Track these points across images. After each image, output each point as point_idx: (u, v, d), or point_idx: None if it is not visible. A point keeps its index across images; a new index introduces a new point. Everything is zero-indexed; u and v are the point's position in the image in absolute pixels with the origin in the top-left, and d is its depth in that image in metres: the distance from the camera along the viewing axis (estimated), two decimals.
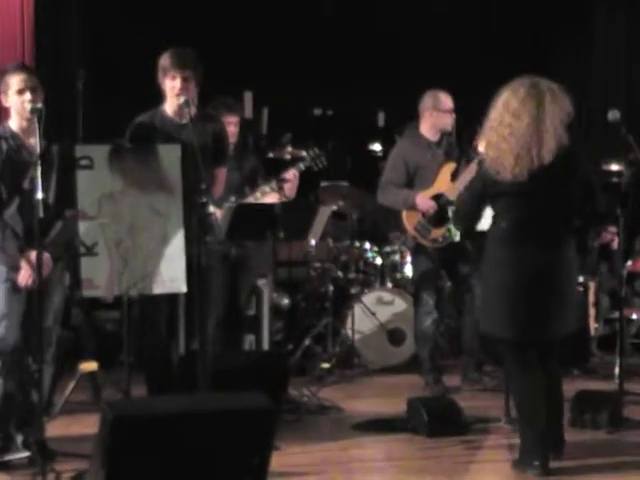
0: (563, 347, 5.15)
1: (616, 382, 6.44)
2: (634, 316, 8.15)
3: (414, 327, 7.42)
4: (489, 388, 7.09)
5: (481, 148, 5.11)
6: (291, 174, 6.73)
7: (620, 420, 5.99)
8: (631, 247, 8.28)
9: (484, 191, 4.99)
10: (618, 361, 6.45)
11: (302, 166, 6.89)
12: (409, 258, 8.12)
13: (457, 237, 6.35)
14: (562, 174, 4.85)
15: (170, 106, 5.93)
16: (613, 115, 6.01)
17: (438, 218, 7.02)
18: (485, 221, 5.77)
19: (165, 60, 5.88)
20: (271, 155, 7.84)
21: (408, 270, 8.31)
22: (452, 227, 6.45)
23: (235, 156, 7.01)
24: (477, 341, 7.18)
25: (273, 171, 7.08)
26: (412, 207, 7.11)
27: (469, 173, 7.05)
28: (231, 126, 6.98)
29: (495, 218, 5.03)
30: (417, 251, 7.26)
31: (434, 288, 7.24)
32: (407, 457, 5.56)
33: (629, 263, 8.15)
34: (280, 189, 6.63)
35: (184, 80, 5.82)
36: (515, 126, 4.78)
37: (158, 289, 5.42)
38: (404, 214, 7.18)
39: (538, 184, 4.83)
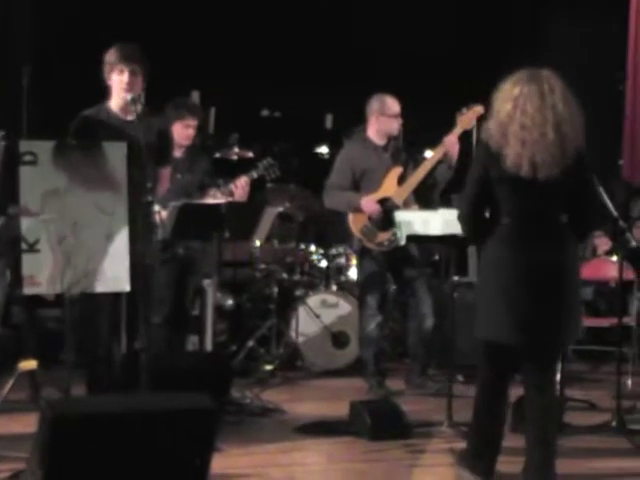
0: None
1: (557, 388, 6.47)
2: None
3: (358, 330, 7.43)
4: (432, 392, 7.10)
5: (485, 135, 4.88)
6: (242, 183, 6.72)
7: (560, 426, 6.02)
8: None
9: (485, 174, 4.70)
10: (559, 367, 6.48)
11: (254, 174, 6.88)
12: (354, 261, 8.13)
13: (403, 241, 6.35)
14: (565, 169, 4.61)
15: (116, 102, 5.87)
16: None
17: (384, 222, 7.03)
18: (435, 225, 5.78)
19: (112, 55, 5.82)
20: (218, 155, 7.80)
21: (353, 273, 8.31)
22: (398, 231, 6.45)
23: (187, 158, 6.97)
24: (422, 345, 7.22)
25: (220, 172, 7.05)
26: (358, 210, 7.12)
27: (416, 177, 7.10)
28: (190, 129, 6.96)
29: (494, 214, 4.78)
30: (363, 254, 7.27)
31: (379, 291, 7.25)
32: (349, 460, 5.54)
33: None
34: (230, 194, 6.62)
35: (132, 74, 5.77)
36: (519, 119, 4.56)
37: (101, 287, 5.36)
38: (350, 217, 7.18)
39: (540, 178, 4.59)
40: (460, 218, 4.89)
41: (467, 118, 6.91)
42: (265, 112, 10.16)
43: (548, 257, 4.68)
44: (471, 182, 4.78)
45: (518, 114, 4.59)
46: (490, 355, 4.89)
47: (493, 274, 4.76)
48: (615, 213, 6.10)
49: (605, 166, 6.36)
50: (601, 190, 5.80)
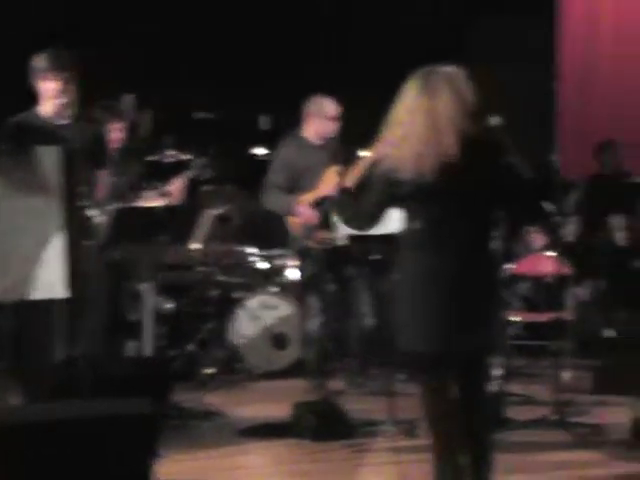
0: None
1: (497, 383, 6.49)
2: (514, 318, 8.22)
3: (300, 331, 7.39)
4: (374, 391, 7.08)
5: (381, 148, 4.86)
6: (177, 184, 6.66)
7: (502, 421, 6.04)
8: (511, 249, 8.38)
9: (390, 193, 4.58)
10: (500, 363, 6.50)
11: (189, 174, 6.82)
12: (294, 262, 8.08)
13: (342, 241, 6.33)
14: (474, 167, 4.47)
15: (47, 107, 5.78)
16: (495, 120, 6.02)
17: (324, 220, 7.01)
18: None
19: (41, 62, 5.72)
20: (152, 158, 7.72)
21: (293, 274, 8.27)
22: (337, 231, 6.42)
23: (119, 161, 6.89)
24: (363, 345, 7.21)
25: (155, 175, 6.98)
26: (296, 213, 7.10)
27: (353, 176, 7.07)
28: (117, 132, 6.87)
29: (407, 222, 4.62)
30: (302, 254, 7.24)
31: (320, 292, 7.22)
32: (293, 462, 5.52)
33: (510, 266, 8.23)
34: (166, 196, 6.56)
35: (64, 82, 5.69)
36: (411, 123, 4.55)
37: (36, 294, 5.27)
38: (290, 217, 7.15)
39: (447, 182, 4.46)
40: (348, 223, 4.88)
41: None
42: (200, 114, 10.09)
43: (463, 263, 4.51)
44: (374, 200, 4.65)
45: (409, 120, 4.48)
46: (421, 365, 4.70)
47: (404, 279, 4.62)
48: (551, 208, 6.12)
49: (540, 163, 6.36)
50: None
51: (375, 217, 4.69)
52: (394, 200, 4.59)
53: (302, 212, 7.05)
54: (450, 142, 4.41)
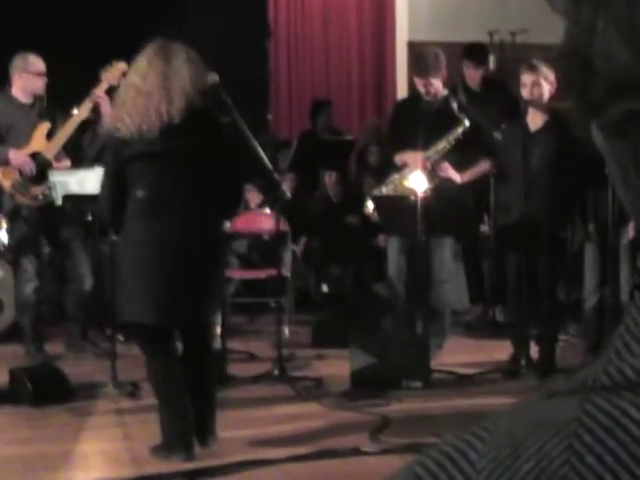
0: None
1: (219, 341, 6.54)
2: (233, 276, 8.28)
3: (14, 295, 7.16)
4: (95, 354, 6.96)
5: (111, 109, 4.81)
6: None
7: (225, 378, 6.09)
8: None
9: (117, 161, 4.55)
10: (220, 320, 6.55)
11: None
12: (4, 224, 7.78)
13: (59, 201, 6.17)
14: (196, 139, 4.53)
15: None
16: (212, 78, 6.02)
17: (36, 175, 6.82)
18: (91, 184, 5.64)
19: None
20: None
21: (3, 236, 7.95)
22: (53, 191, 6.24)
23: None
24: (81, 307, 7.08)
25: None
26: (7, 164, 6.84)
27: (65, 133, 6.91)
28: None
29: (131, 188, 4.56)
30: (14, 216, 7.00)
31: (33, 254, 7.01)
32: (11, 429, 5.34)
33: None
34: None
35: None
36: (141, 85, 4.52)
37: None
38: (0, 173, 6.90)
39: (169, 143, 4.50)
40: (103, 210, 4.80)
41: (112, 74, 6.82)
42: None
43: (181, 231, 4.53)
44: (107, 174, 4.67)
45: (140, 82, 4.52)
46: (143, 335, 4.70)
47: (128, 251, 4.62)
48: (270, 166, 6.18)
49: (255, 121, 6.42)
50: (255, 144, 5.86)
51: (116, 185, 4.59)
52: (122, 163, 4.54)
53: (15, 158, 6.81)
54: (178, 107, 4.45)
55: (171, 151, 4.52)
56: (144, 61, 4.56)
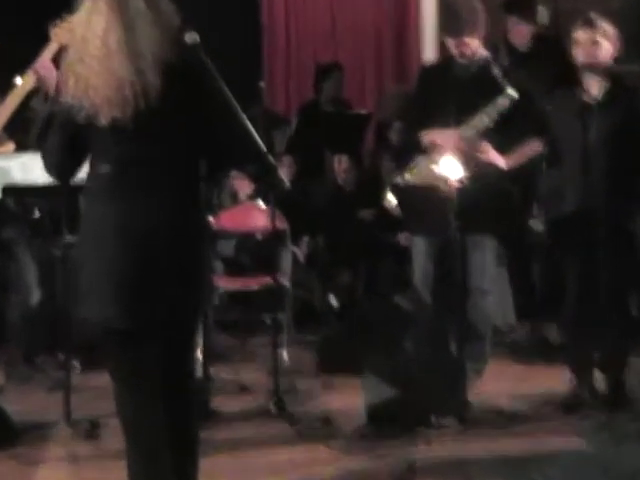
0: None
1: (200, 368, 6.54)
2: (217, 285, 8.26)
3: None
4: (44, 386, 6.96)
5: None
6: None
7: (209, 413, 6.09)
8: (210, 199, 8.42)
9: (72, 124, 4.50)
10: (201, 342, 6.56)
11: None
12: None
13: None
14: (173, 100, 4.46)
15: None
16: (191, 37, 6.01)
17: None
18: (39, 172, 5.62)
19: None
20: None
21: None
22: None
23: None
24: (27, 324, 7.10)
25: None
26: None
27: (6, 109, 6.96)
28: None
29: (93, 163, 4.56)
30: None
31: None
32: None
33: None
34: None
35: None
36: (98, 49, 4.49)
37: None
38: None
39: (140, 117, 4.42)
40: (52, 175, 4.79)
41: (63, 32, 6.84)
42: None
43: (153, 214, 4.49)
44: (55, 132, 4.62)
45: (91, 42, 4.50)
46: (110, 344, 4.59)
47: (88, 234, 4.57)
48: (263, 147, 6.15)
49: (245, 90, 6.40)
50: (244, 119, 5.84)
51: (65, 163, 4.60)
52: (78, 138, 4.51)
53: None
54: (151, 79, 4.39)
55: (143, 123, 4.48)
56: (100, 22, 4.52)
